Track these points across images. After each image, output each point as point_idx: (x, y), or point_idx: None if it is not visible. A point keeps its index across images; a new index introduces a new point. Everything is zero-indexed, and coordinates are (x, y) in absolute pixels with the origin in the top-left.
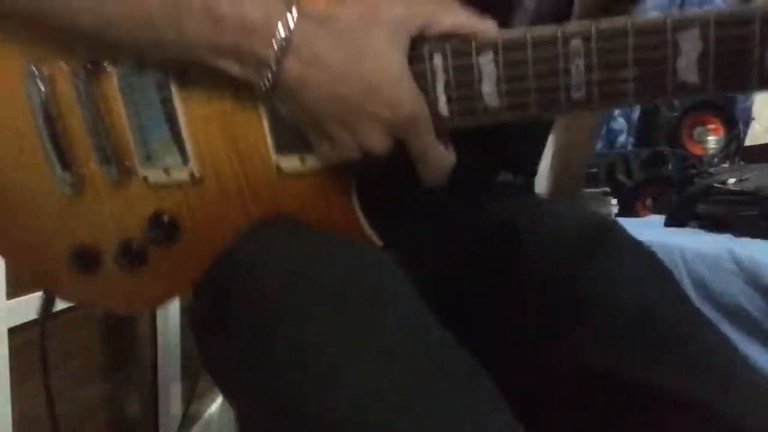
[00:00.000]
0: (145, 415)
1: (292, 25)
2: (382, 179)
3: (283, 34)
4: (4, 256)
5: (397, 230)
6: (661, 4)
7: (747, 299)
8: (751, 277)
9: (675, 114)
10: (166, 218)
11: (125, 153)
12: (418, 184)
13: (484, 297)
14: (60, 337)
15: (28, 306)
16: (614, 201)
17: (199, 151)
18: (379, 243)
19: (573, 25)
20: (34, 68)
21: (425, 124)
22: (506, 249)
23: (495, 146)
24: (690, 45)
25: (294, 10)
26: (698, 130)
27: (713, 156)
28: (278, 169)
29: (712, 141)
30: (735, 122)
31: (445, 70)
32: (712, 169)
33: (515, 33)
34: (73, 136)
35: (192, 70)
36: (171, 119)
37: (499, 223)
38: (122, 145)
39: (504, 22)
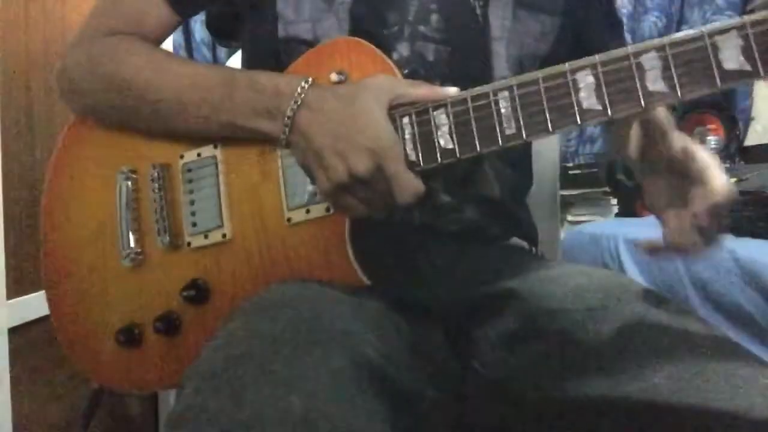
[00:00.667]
0: (145, 415)
1: (306, 89)
2: (388, 231)
3: (300, 95)
4: (58, 332)
5: (411, 274)
6: (662, 4)
7: (747, 299)
8: (751, 278)
9: (675, 114)
10: (200, 281)
11: (177, 224)
12: (435, 241)
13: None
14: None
15: (28, 306)
16: (614, 201)
17: (231, 215)
18: (368, 282)
19: (500, 82)
20: (125, 169)
21: (398, 153)
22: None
23: (504, 215)
24: (584, 81)
25: (309, 80)
26: (698, 130)
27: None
28: (289, 220)
29: (712, 141)
30: (735, 122)
31: (411, 125)
32: None
33: (460, 94)
34: (142, 217)
35: (236, 155)
36: (215, 193)
37: (501, 274)
38: (177, 219)
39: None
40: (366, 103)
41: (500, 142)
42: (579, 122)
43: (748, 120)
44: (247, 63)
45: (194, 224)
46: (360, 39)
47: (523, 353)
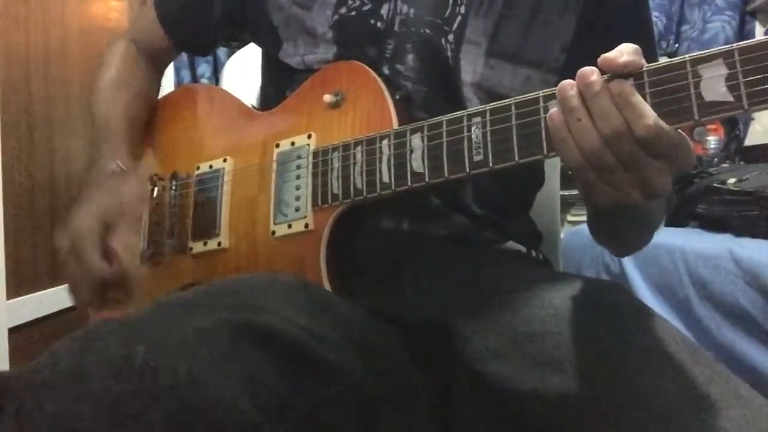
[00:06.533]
0: None
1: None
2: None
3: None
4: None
5: (394, 288)
6: (662, 4)
7: (747, 299)
8: (751, 277)
9: None
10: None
11: (184, 230)
12: (423, 248)
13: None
14: (60, 337)
15: (28, 306)
16: None
17: (228, 225)
18: (330, 290)
19: (475, 108)
20: (153, 175)
21: (86, 247)
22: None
23: (498, 219)
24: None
25: (119, 163)
26: (698, 130)
27: (713, 156)
28: (273, 233)
29: (712, 141)
30: (735, 122)
31: (389, 147)
32: (712, 169)
33: (436, 118)
34: (159, 221)
35: (240, 168)
36: (216, 204)
37: (494, 285)
38: (184, 225)
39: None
40: (85, 214)
41: (467, 169)
42: (545, 152)
43: (748, 120)
44: (266, 63)
45: (196, 232)
46: (358, 62)
47: (502, 372)
